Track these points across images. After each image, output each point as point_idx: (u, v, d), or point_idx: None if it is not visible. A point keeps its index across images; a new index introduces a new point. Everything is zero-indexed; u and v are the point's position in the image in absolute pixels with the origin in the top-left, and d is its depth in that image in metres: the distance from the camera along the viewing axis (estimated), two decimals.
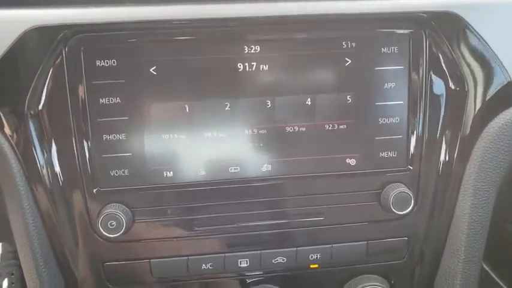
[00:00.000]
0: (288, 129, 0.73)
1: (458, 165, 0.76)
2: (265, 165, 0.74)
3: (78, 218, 0.73)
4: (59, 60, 0.67)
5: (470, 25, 0.72)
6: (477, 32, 0.72)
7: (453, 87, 0.74)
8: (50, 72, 0.67)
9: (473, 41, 0.73)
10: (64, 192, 0.71)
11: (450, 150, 0.76)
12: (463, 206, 0.78)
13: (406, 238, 0.80)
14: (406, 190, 0.74)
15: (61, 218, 0.72)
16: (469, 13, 0.71)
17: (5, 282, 1.05)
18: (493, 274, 1.12)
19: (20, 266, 0.78)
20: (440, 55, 0.73)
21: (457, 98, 0.74)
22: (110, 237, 0.70)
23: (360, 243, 0.79)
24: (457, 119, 0.75)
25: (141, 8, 0.68)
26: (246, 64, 0.71)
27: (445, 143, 0.76)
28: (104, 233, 0.70)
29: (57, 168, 0.71)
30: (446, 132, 0.75)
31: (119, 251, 0.75)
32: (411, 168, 0.76)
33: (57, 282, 0.77)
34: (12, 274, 1.05)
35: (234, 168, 0.74)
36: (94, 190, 0.72)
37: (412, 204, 0.75)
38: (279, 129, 0.73)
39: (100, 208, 0.71)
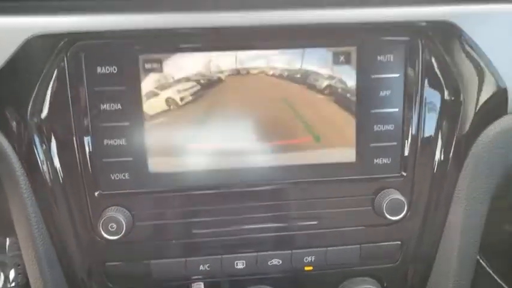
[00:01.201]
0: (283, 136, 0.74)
1: (451, 172, 0.77)
2: (262, 171, 0.75)
3: (80, 220, 0.74)
4: (60, 67, 0.68)
5: (467, 34, 0.72)
6: (473, 41, 0.72)
7: (448, 95, 0.74)
8: (52, 79, 0.68)
9: (469, 49, 0.73)
10: (66, 195, 0.73)
11: (444, 157, 0.76)
12: (456, 213, 0.79)
13: (399, 242, 0.81)
14: (399, 196, 0.75)
15: (63, 220, 0.74)
16: (466, 22, 0.71)
17: (12, 273, 1.07)
18: (487, 267, 1.13)
19: None
20: (435, 63, 0.73)
21: (452, 106, 0.74)
22: (111, 239, 0.72)
23: (353, 246, 0.80)
24: (452, 126, 0.75)
25: (142, 16, 0.68)
26: (249, 72, 0.71)
27: (439, 150, 0.76)
28: (104, 235, 0.72)
29: (60, 173, 0.72)
30: (441, 139, 0.75)
31: (120, 252, 0.77)
32: (405, 174, 0.77)
33: (60, 281, 0.78)
34: (19, 265, 1.07)
35: (233, 174, 0.75)
36: (95, 193, 0.73)
37: (405, 210, 0.75)
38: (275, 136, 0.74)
39: (101, 211, 0.73)
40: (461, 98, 0.74)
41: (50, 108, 0.69)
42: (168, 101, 0.72)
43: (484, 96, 0.75)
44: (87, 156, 0.72)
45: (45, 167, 0.71)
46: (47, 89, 0.69)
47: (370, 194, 0.77)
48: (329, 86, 0.73)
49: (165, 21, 0.68)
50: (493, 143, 0.75)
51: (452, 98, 0.74)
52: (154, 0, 0.70)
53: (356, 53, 0.72)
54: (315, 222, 0.78)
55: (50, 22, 0.67)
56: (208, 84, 0.72)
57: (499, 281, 1.08)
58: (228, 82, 0.72)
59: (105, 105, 0.70)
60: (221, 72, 0.72)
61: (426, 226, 0.80)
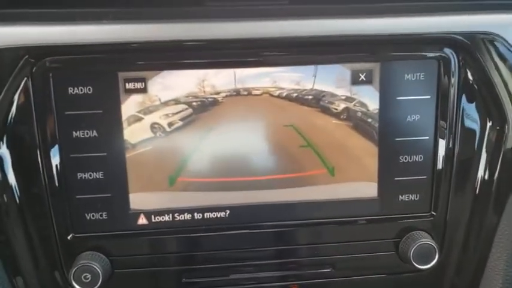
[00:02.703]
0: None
1: (492, 212, 0.69)
2: (266, 210, 0.68)
3: (48, 269, 0.66)
4: (23, 88, 0.61)
5: None
6: None
7: (490, 122, 0.67)
8: (14, 102, 0.61)
9: None
10: (30, 238, 0.65)
11: (483, 194, 0.68)
12: (497, 262, 0.70)
13: None
14: (430, 241, 0.67)
15: (27, 268, 0.66)
16: None
17: None
18: None
19: None
20: (475, 83, 0.66)
21: (494, 135, 0.67)
22: None
23: None
24: (493, 160, 0.67)
25: (122, 26, 0.61)
26: (250, 93, 0.64)
27: (477, 188, 0.68)
28: (77, 287, 0.63)
29: (24, 211, 0.64)
30: (479, 174, 0.68)
31: None
32: (435, 214, 0.69)
33: None
34: None
35: (231, 212, 0.67)
36: (67, 236, 0.65)
37: (436, 258, 0.67)
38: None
39: (74, 258, 0.65)
40: (507, 125, 0.66)
41: (11, 134, 0.62)
42: (154, 127, 0.65)
43: None
44: (57, 192, 0.65)
45: (4, 206, 0.63)
46: (7, 114, 0.61)
47: (394, 237, 0.70)
48: (346, 110, 0.67)
49: (149, 32, 0.61)
50: None
51: (496, 126, 0.67)
52: (137, 8, 0.63)
53: (379, 71, 0.66)
54: (329, 270, 0.71)
55: (8, 33, 0.59)
56: (201, 107, 0.65)
57: None
58: (226, 104, 0.65)
59: (78, 133, 0.64)
60: (217, 93, 0.65)
61: (461, 276, 0.72)
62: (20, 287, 0.67)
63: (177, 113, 0.65)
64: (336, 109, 0.66)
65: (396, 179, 0.68)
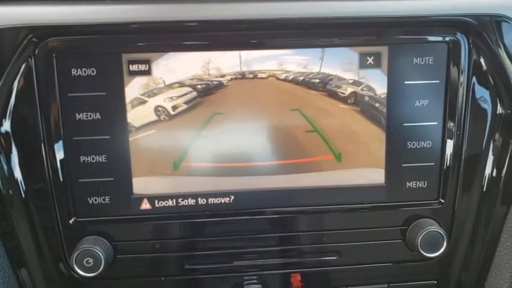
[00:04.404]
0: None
1: (502, 199, 0.67)
2: (271, 196, 0.66)
3: (50, 253, 0.65)
4: (26, 69, 0.59)
5: None
6: None
7: (501, 107, 0.65)
8: (16, 83, 0.60)
9: None
10: (33, 222, 0.63)
11: (493, 181, 0.67)
12: (505, 252, 0.68)
13: (435, 282, 0.72)
14: (438, 228, 0.66)
15: (29, 253, 0.64)
16: None
17: None
18: None
19: None
20: (486, 67, 0.64)
21: (505, 120, 0.65)
22: (87, 277, 0.62)
23: (380, 286, 0.71)
24: (503, 146, 0.65)
25: (125, 6, 0.59)
26: (256, 76, 0.63)
27: (487, 174, 0.66)
28: (79, 271, 0.62)
29: (27, 195, 0.62)
30: (489, 161, 0.66)
31: None
32: (443, 201, 0.67)
33: None
34: None
35: (236, 198, 0.66)
36: (69, 220, 0.64)
37: (444, 246, 0.66)
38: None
39: (76, 242, 0.64)
40: None
41: (13, 117, 0.61)
42: (158, 110, 0.64)
43: None
44: (60, 176, 0.63)
45: (6, 188, 0.62)
46: (9, 95, 0.60)
47: (401, 225, 0.68)
48: (354, 94, 0.65)
49: (153, 12, 0.60)
50: None
51: (507, 110, 0.65)
52: None
53: (387, 54, 0.64)
54: (335, 257, 0.69)
55: (10, 12, 0.58)
56: (206, 90, 0.64)
57: None
58: (231, 88, 0.64)
59: (81, 115, 0.62)
60: (222, 75, 0.64)
61: (469, 264, 0.70)
62: (22, 272, 0.66)
63: (181, 96, 0.64)
64: (343, 93, 0.65)
65: (404, 165, 0.67)
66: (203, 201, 0.66)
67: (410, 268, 0.70)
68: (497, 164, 0.66)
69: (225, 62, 0.63)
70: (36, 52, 0.59)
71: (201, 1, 0.60)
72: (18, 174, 0.62)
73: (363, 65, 0.64)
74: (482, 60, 0.63)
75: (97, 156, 0.63)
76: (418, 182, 0.67)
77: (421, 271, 0.71)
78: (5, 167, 0.61)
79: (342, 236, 0.68)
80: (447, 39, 0.64)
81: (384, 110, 0.65)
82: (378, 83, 0.64)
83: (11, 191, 0.62)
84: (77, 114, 0.62)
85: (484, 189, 0.67)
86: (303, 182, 0.67)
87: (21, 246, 0.64)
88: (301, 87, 0.64)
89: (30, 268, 0.65)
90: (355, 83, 0.64)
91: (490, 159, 0.66)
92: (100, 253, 0.62)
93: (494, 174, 0.66)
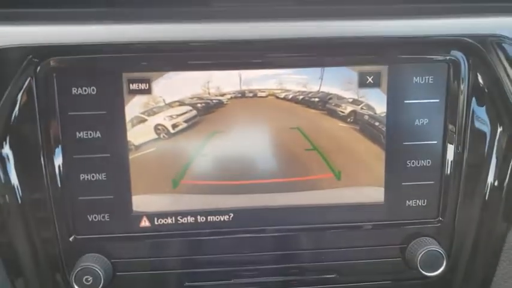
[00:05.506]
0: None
1: (501, 221, 0.67)
2: (271, 214, 0.66)
3: (49, 271, 0.65)
4: (27, 87, 0.59)
5: None
6: None
7: (501, 126, 0.65)
8: (18, 103, 0.59)
9: None
10: (32, 239, 0.63)
11: (492, 202, 0.66)
12: (505, 271, 0.68)
13: None
14: (437, 247, 0.65)
15: (28, 270, 0.64)
16: None
17: None
18: None
19: None
20: (486, 87, 0.64)
21: (505, 140, 0.65)
22: None
23: None
24: (503, 165, 0.65)
25: (126, 26, 0.60)
26: (256, 95, 0.63)
27: (487, 194, 0.66)
28: None
29: (27, 213, 0.62)
30: (488, 180, 0.66)
31: None
32: (443, 220, 0.67)
33: None
34: None
35: (236, 216, 0.66)
36: (69, 238, 0.64)
37: (443, 265, 0.65)
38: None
39: (75, 260, 0.64)
40: None
41: (14, 135, 0.61)
42: (158, 128, 0.64)
43: None
44: (60, 193, 0.63)
45: (6, 206, 0.62)
46: (10, 113, 0.60)
47: (400, 243, 0.68)
48: (353, 113, 0.65)
49: (154, 33, 0.60)
50: None
51: (506, 130, 0.65)
52: (141, 9, 0.62)
53: (387, 74, 0.64)
54: (334, 276, 0.69)
55: (12, 33, 0.58)
56: (206, 109, 0.64)
57: None
58: (231, 106, 0.64)
59: (81, 134, 0.63)
60: (222, 94, 0.64)
61: (469, 282, 0.70)
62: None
63: (181, 114, 0.64)
64: (343, 112, 0.65)
65: (403, 183, 0.66)
66: (202, 218, 0.66)
67: (410, 287, 0.70)
68: (497, 184, 0.65)
69: (225, 81, 0.62)
70: (37, 71, 0.59)
71: (200, 22, 0.60)
72: (18, 190, 0.62)
73: (362, 84, 0.64)
74: (482, 80, 0.63)
75: (97, 174, 0.63)
76: (417, 201, 0.67)
77: None
78: (5, 182, 0.61)
79: (342, 254, 0.68)
80: (447, 58, 0.63)
81: (384, 128, 0.65)
82: (377, 102, 0.64)
83: (11, 207, 0.62)
84: (77, 133, 0.62)
85: (484, 208, 0.66)
86: (302, 200, 0.66)
87: (20, 261, 0.63)
88: (301, 106, 0.64)
89: (27, 281, 0.64)
90: (355, 101, 0.64)
91: (490, 178, 0.66)
92: (99, 271, 0.62)
93: (494, 193, 0.66)
